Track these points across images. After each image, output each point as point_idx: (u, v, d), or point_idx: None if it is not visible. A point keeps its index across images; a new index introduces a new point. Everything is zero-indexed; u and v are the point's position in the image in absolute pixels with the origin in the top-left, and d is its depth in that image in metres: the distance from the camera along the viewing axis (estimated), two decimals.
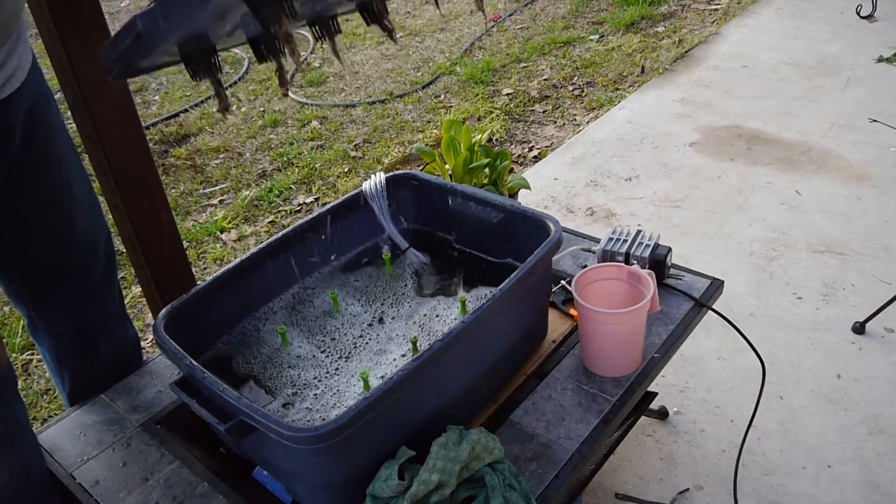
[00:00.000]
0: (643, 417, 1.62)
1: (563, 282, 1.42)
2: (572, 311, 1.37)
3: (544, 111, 3.26)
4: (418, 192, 1.41)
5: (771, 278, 2.05)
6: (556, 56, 3.76)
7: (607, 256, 1.40)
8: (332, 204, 1.36)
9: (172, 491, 1.09)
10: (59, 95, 1.27)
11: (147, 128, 3.42)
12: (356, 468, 0.97)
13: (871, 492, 1.46)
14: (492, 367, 1.16)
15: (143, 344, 2.03)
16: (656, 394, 1.57)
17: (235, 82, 3.88)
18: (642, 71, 3.45)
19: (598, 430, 1.13)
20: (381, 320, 1.30)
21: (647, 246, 1.38)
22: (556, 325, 1.35)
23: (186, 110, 3.61)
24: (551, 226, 1.18)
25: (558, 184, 2.63)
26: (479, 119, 3.22)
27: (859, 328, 1.83)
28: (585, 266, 1.38)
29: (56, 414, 1.86)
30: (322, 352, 1.24)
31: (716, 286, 1.39)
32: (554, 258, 1.39)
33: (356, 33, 4.36)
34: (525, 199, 1.84)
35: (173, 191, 2.93)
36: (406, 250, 1.41)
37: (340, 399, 1.14)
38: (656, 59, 3.55)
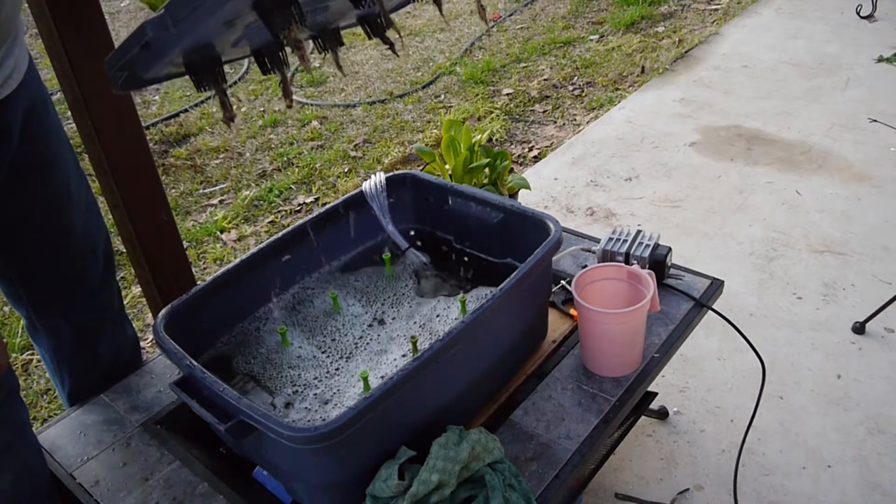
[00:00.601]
0: (643, 417, 1.62)
1: (563, 282, 1.42)
2: (572, 311, 1.37)
3: (544, 111, 3.26)
4: (418, 192, 1.41)
5: (771, 278, 2.05)
6: (556, 56, 3.76)
7: (607, 256, 1.40)
8: (331, 204, 1.36)
9: (172, 491, 1.09)
10: (58, 96, 1.27)
11: (147, 128, 3.42)
12: (356, 468, 0.97)
13: (871, 492, 1.46)
14: (492, 367, 1.16)
15: (143, 344, 2.03)
16: (656, 394, 1.57)
17: (235, 82, 3.88)
18: (642, 71, 3.45)
19: (598, 430, 1.13)
20: (381, 320, 1.30)
21: (647, 246, 1.38)
22: (556, 325, 1.35)
23: (186, 110, 3.61)
24: (551, 226, 1.18)
25: (558, 184, 2.63)
26: (479, 119, 3.22)
27: (859, 328, 1.83)
28: (585, 266, 1.38)
29: (56, 414, 1.86)
30: (322, 352, 1.24)
31: (716, 286, 1.39)
32: (554, 258, 1.39)
33: (356, 33, 4.35)
34: (525, 199, 1.84)
35: (173, 191, 2.93)
36: (406, 250, 1.41)
37: (341, 399, 1.14)
38: (656, 59, 3.55)
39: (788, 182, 2.48)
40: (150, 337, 2.09)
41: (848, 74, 3.16)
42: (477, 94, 3.44)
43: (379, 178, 1.39)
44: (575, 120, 3.15)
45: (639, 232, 1.42)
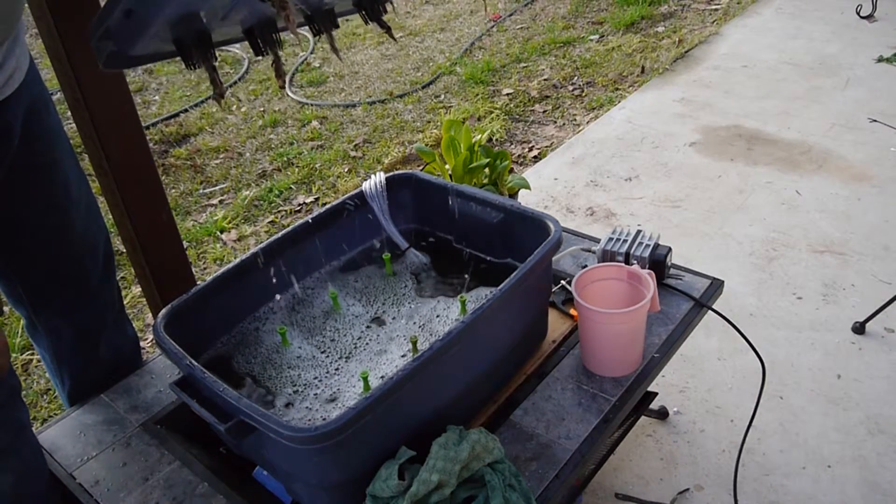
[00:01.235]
0: (643, 417, 1.62)
1: (563, 282, 1.42)
2: (572, 311, 1.37)
3: (544, 111, 3.26)
4: (418, 192, 1.41)
5: (771, 278, 2.05)
6: (556, 56, 3.76)
7: (607, 256, 1.40)
8: (331, 204, 1.36)
9: (172, 491, 1.09)
10: (58, 96, 1.27)
11: (147, 128, 3.42)
12: (356, 468, 0.97)
13: (871, 492, 1.46)
14: (492, 367, 1.16)
15: (143, 344, 2.03)
16: (656, 394, 1.57)
17: (235, 82, 3.88)
18: (642, 71, 3.45)
19: (598, 430, 1.13)
20: (381, 320, 1.30)
21: (647, 246, 1.38)
22: (556, 325, 1.35)
23: (186, 110, 3.61)
24: (551, 226, 1.18)
25: (558, 184, 2.63)
26: (479, 119, 3.22)
27: (859, 328, 1.83)
28: (585, 266, 1.38)
29: (56, 414, 1.86)
30: (322, 352, 1.24)
31: (716, 286, 1.39)
32: (554, 258, 1.39)
33: (356, 33, 4.36)
34: (525, 199, 1.84)
35: (173, 191, 2.93)
36: (406, 250, 1.41)
37: (340, 399, 1.14)
38: (656, 59, 3.55)
39: (788, 182, 2.48)
40: (150, 337, 2.09)
41: (848, 74, 3.16)
42: (477, 94, 3.44)
43: (379, 178, 1.39)
44: (575, 120, 3.15)
45: (639, 232, 1.42)
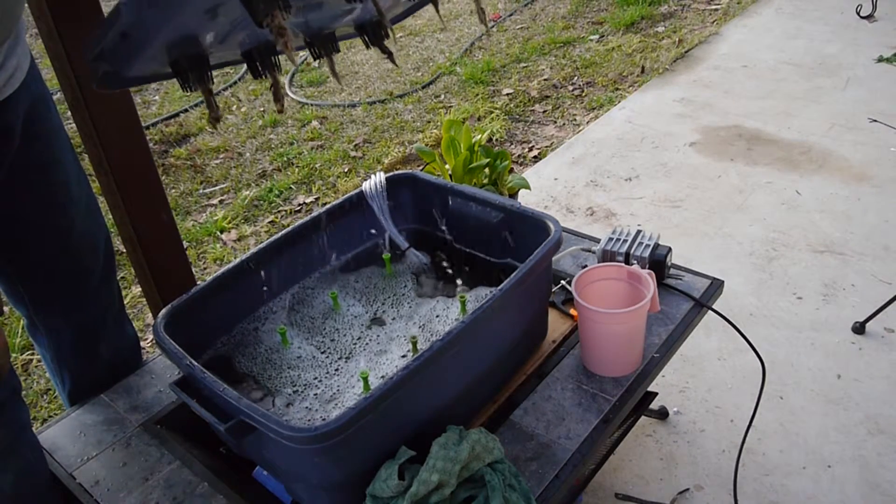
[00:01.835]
0: (643, 417, 1.62)
1: (563, 282, 1.42)
2: (572, 311, 1.37)
3: (544, 111, 3.26)
4: (418, 192, 1.41)
5: (771, 278, 2.05)
6: (556, 56, 3.76)
7: (607, 256, 1.40)
8: (331, 204, 1.36)
9: (172, 491, 1.09)
10: (58, 96, 1.27)
11: (147, 128, 3.42)
12: (356, 468, 0.97)
13: (871, 492, 1.46)
14: (492, 367, 1.16)
15: (143, 344, 2.03)
16: (656, 394, 1.57)
17: (235, 82, 3.88)
18: (642, 71, 3.45)
19: (598, 430, 1.13)
20: (381, 320, 1.30)
21: (647, 246, 1.38)
22: (556, 325, 1.35)
23: (186, 110, 3.61)
24: (551, 226, 1.18)
25: (558, 184, 2.63)
26: (479, 119, 3.22)
27: (859, 328, 1.83)
28: (585, 266, 1.38)
29: (56, 414, 1.86)
30: (322, 352, 1.24)
31: (716, 286, 1.39)
32: (554, 258, 1.39)
33: None
34: (525, 199, 1.84)
35: (173, 191, 2.93)
36: (406, 250, 1.41)
37: (341, 399, 1.14)
38: (656, 59, 3.55)
39: (788, 182, 2.48)
40: (150, 337, 2.09)
41: (848, 74, 3.16)
42: (477, 94, 3.44)
43: (379, 178, 1.39)
44: (575, 120, 3.15)
45: (639, 232, 1.42)
